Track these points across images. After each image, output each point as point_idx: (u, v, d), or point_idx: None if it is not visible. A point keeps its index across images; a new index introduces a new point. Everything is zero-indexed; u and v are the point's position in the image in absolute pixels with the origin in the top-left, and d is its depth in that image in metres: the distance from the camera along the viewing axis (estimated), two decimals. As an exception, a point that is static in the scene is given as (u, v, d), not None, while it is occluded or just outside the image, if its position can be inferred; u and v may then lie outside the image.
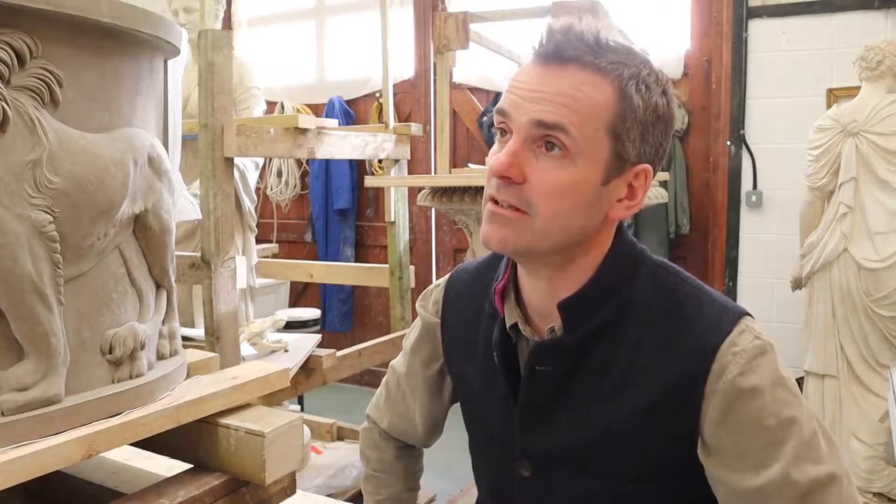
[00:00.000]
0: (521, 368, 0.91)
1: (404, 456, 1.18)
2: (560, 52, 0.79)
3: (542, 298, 0.89)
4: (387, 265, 2.76)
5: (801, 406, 0.81)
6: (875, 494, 2.70)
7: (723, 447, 0.80)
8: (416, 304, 1.11)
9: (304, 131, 2.10)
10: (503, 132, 0.83)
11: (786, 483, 0.78)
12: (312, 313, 3.67)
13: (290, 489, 0.97)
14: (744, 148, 3.50)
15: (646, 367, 0.83)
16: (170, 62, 1.00)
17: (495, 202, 0.82)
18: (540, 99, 0.78)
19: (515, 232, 0.81)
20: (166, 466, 1.00)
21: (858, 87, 2.83)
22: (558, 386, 0.88)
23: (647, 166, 0.83)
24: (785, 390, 0.80)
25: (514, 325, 0.91)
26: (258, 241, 3.22)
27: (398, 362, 1.15)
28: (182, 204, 1.11)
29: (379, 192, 4.33)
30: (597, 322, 0.85)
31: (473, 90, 4.24)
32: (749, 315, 0.84)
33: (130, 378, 0.86)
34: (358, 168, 4.61)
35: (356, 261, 4.63)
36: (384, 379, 1.18)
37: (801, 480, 0.77)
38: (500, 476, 0.98)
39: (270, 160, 4.59)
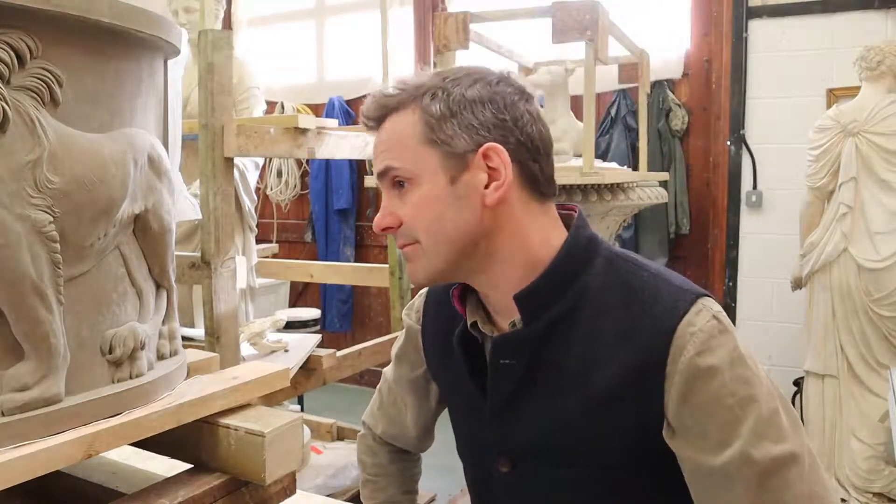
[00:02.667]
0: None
1: (399, 460, 1.20)
2: (371, 118, 0.91)
3: (498, 298, 0.91)
4: (387, 265, 2.76)
5: (761, 384, 0.81)
6: (875, 494, 2.70)
7: (685, 427, 0.81)
8: (402, 313, 1.15)
9: (304, 131, 2.09)
10: None
11: (745, 462, 0.78)
12: (312, 313, 3.67)
13: (290, 489, 0.97)
14: (744, 148, 3.50)
15: (606, 354, 0.84)
16: (170, 62, 1.00)
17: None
18: (375, 157, 0.91)
19: (416, 261, 0.89)
20: (166, 466, 1.00)
21: (858, 87, 2.83)
22: (523, 379, 0.89)
23: (492, 144, 0.85)
24: (744, 368, 0.80)
25: (476, 324, 0.93)
26: (258, 241, 3.22)
27: (388, 369, 1.18)
28: (182, 204, 1.11)
29: (379, 192, 4.32)
30: (554, 313, 0.86)
31: (473, 90, 4.23)
32: (708, 295, 0.84)
33: (130, 378, 0.86)
34: (358, 168, 4.61)
35: (356, 261, 4.63)
36: (378, 386, 1.21)
37: (760, 459, 0.78)
38: (482, 475, 1.00)
39: (270, 160, 4.59)
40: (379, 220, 0.91)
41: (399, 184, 0.88)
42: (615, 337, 0.84)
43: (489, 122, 0.85)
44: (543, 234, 0.89)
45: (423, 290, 1.11)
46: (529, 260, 0.87)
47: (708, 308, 0.82)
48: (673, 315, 0.81)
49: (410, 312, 1.11)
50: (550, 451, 0.89)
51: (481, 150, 0.84)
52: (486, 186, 0.85)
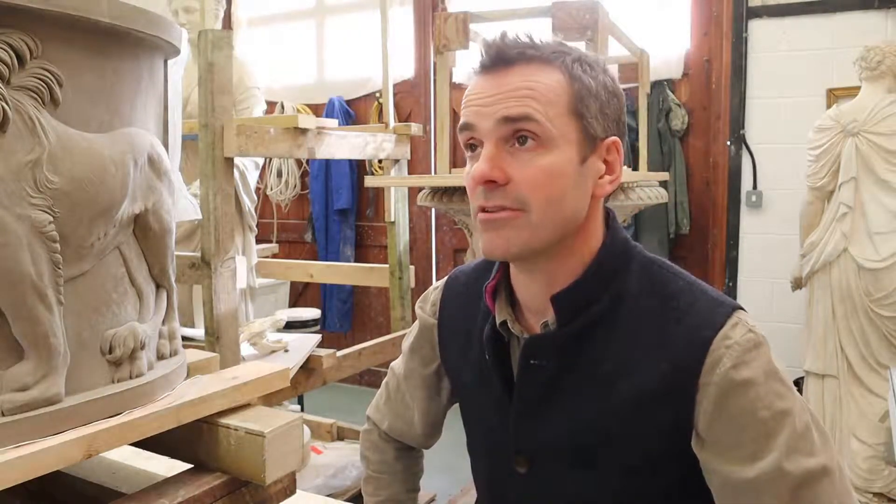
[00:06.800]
0: (513, 366, 0.92)
1: (404, 457, 1.19)
2: (503, 56, 0.83)
3: (536, 295, 0.90)
4: (387, 265, 2.76)
5: (794, 398, 0.82)
6: (875, 494, 2.70)
7: (717, 439, 0.81)
8: (416, 306, 1.13)
9: (304, 131, 2.09)
10: (472, 147, 0.86)
11: (779, 474, 0.78)
12: (312, 313, 3.67)
13: (290, 489, 0.97)
14: (744, 148, 3.50)
15: (639, 360, 0.83)
16: (170, 62, 1.00)
17: (485, 210, 0.83)
18: (499, 99, 0.81)
19: (514, 231, 0.82)
20: (166, 466, 1.00)
21: (858, 87, 2.83)
22: (553, 380, 0.88)
23: (616, 138, 0.86)
24: (778, 382, 0.81)
25: (505, 324, 0.92)
26: (258, 241, 3.22)
27: (398, 364, 1.16)
28: (182, 204, 1.11)
29: (379, 192, 4.33)
30: (589, 315, 0.86)
31: (473, 90, 4.23)
32: (742, 309, 0.85)
33: (130, 378, 0.86)
34: (358, 168, 4.61)
35: (356, 261, 4.63)
36: (384, 381, 1.19)
37: (793, 472, 0.78)
38: (496, 474, 0.99)
39: (270, 160, 4.59)
40: (486, 171, 0.80)
41: (522, 139, 0.81)
42: (648, 343, 0.83)
43: (615, 118, 0.86)
44: (598, 234, 0.89)
45: (439, 283, 1.09)
46: (583, 259, 0.87)
47: (744, 322, 0.82)
48: (710, 327, 0.81)
49: (425, 306, 1.09)
50: (571, 454, 0.89)
51: (608, 140, 0.85)
52: (600, 177, 0.86)
